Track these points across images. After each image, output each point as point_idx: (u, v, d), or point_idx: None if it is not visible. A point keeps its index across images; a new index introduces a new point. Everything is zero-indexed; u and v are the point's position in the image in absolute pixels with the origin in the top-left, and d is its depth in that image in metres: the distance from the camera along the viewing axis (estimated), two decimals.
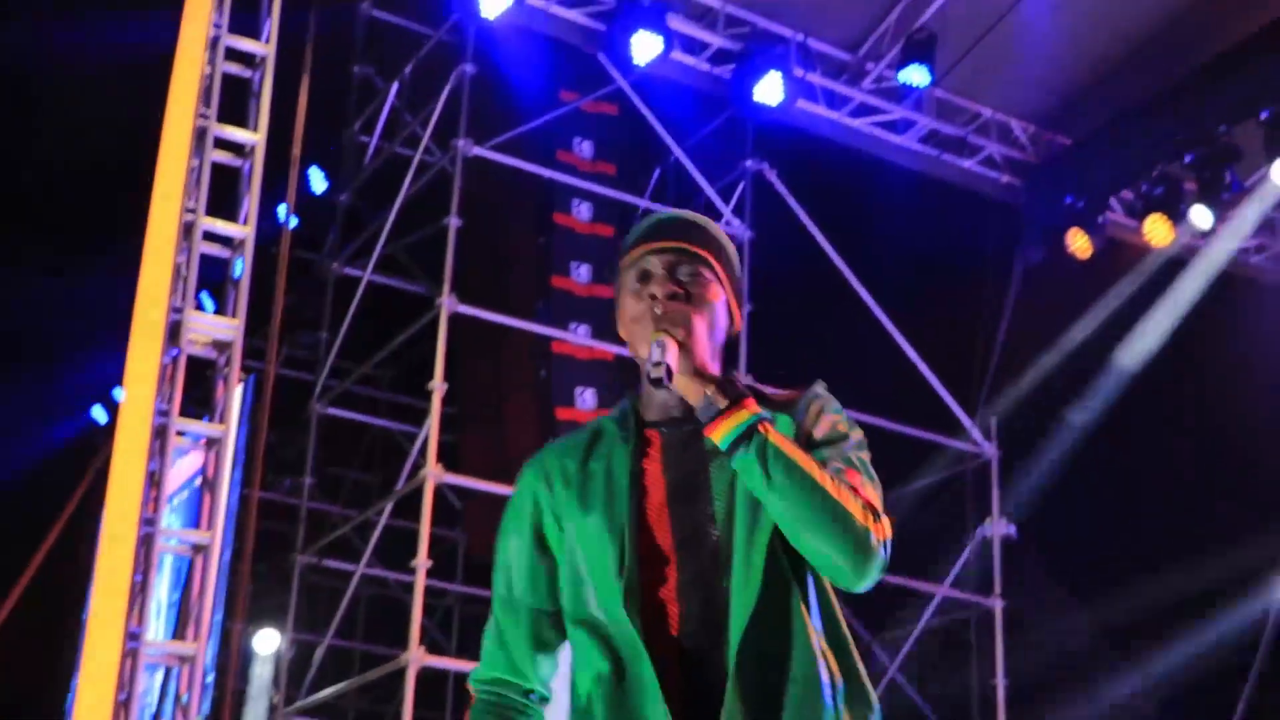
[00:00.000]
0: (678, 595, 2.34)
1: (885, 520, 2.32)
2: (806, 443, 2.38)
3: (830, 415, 2.43)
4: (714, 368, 2.43)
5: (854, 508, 2.27)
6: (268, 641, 9.92)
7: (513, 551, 2.53)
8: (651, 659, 2.29)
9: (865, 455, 2.41)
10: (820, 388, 2.49)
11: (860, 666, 2.37)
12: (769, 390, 2.49)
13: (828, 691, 2.29)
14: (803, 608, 2.33)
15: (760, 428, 2.29)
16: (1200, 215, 9.76)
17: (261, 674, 9.71)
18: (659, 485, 2.42)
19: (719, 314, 2.46)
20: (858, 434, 2.42)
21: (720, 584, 2.32)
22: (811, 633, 2.31)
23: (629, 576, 2.33)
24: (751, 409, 2.31)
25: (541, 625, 2.49)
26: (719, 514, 2.37)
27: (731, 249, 2.53)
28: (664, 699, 2.26)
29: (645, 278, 2.46)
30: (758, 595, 2.29)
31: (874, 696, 2.38)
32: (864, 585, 2.29)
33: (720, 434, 2.30)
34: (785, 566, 2.32)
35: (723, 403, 2.30)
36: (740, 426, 2.29)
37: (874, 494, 2.35)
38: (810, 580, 2.35)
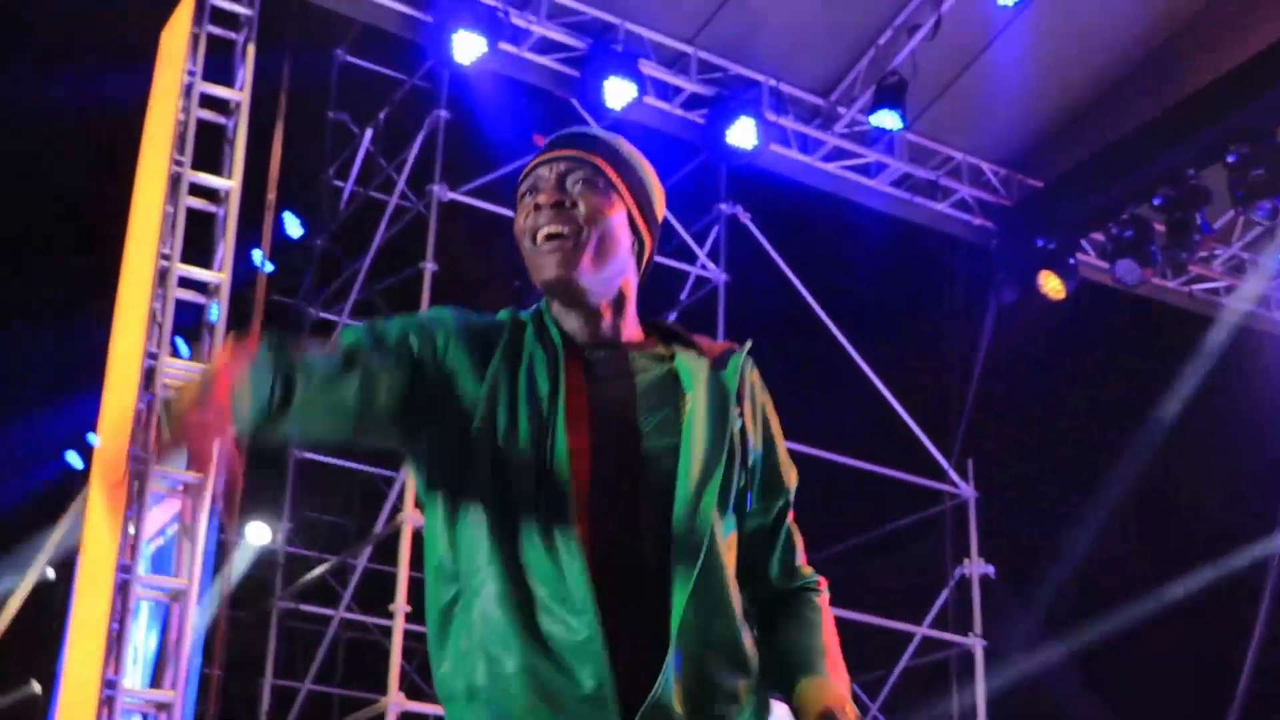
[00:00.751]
0: (589, 522, 2.09)
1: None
2: (763, 427, 2.27)
3: (770, 405, 2.31)
4: (605, 300, 2.25)
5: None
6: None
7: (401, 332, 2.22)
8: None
9: None
10: (748, 347, 2.32)
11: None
12: (696, 338, 2.33)
13: (752, 664, 2.16)
14: (730, 573, 2.16)
15: None
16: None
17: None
18: (580, 403, 2.18)
19: (613, 229, 2.24)
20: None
21: (642, 519, 2.11)
22: (737, 599, 2.17)
23: (565, 485, 2.09)
24: None
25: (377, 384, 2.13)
26: (651, 447, 2.15)
27: (643, 165, 2.32)
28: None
29: (533, 190, 2.27)
30: (705, 545, 2.09)
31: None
32: None
33: None
34: (720, 531, 2.15)
35: None
36: None
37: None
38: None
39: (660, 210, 2.38)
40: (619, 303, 2.30)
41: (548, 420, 2.14)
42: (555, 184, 2.24)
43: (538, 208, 2.23)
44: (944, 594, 9.98)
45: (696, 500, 2.12)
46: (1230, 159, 9.14)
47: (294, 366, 2.04)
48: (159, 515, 7.66)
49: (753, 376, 2.31)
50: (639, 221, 2.30)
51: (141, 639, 6.87)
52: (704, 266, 9.97)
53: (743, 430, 2.23)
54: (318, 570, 9.80)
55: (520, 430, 2.14)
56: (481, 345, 2.22)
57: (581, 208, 2.22)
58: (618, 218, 2.25)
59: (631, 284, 2.31)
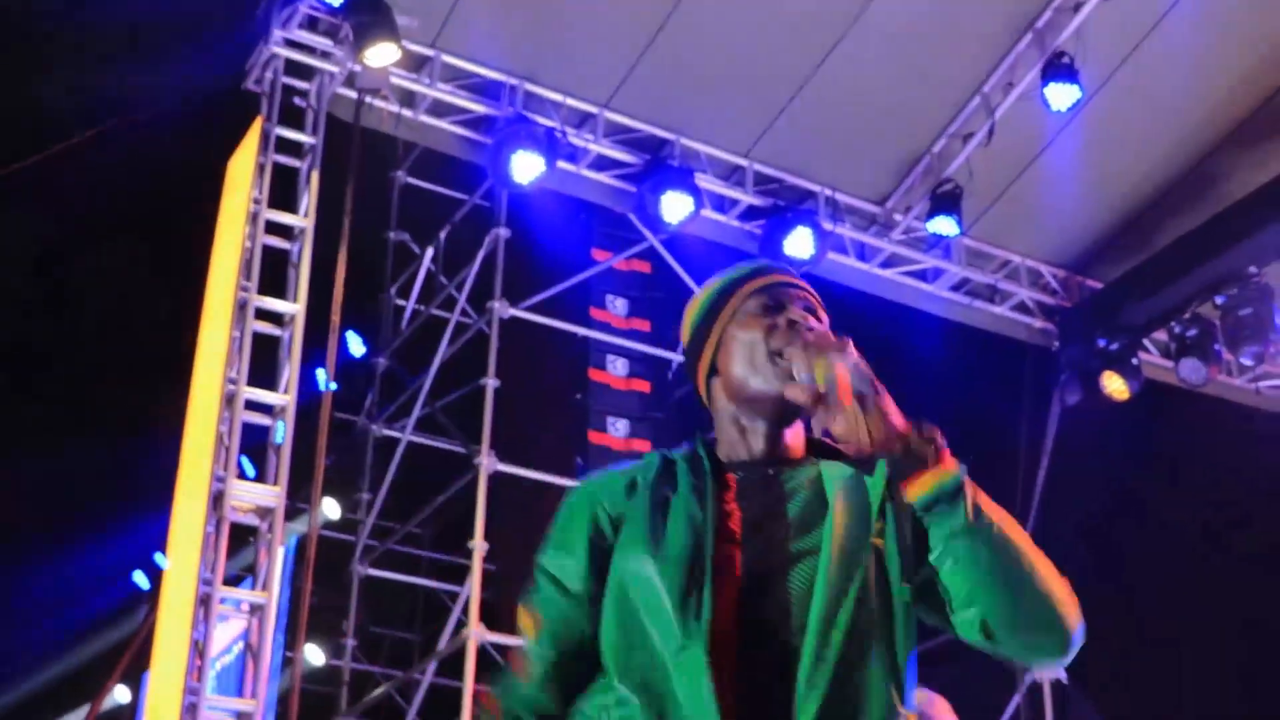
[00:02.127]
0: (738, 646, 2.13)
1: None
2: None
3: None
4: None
5: (1065, 591, 2.10)
6: None
7: (559, 569, 2.37)
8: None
9: None
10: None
11: None
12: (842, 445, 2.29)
13: None
14: (884, 671, 2.13)
15: (968, 486, 2.09)
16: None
17: None
18: (737, 527, 2.23)
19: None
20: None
21: (789, 636, 2.13)
22: (895, 699, 2.12)
23: (707, 622, 2.12)
24: (954, 463, 2.11)
25: (579, 661, 2.29)
26: (800, 563, 2.19)
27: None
28: None
29: (778, 307, 2.37)
30: (838, 654, 2.10)
31: None
32: (1061, 663, 2.13)
33: (921, 489, 2.09)
34: (874, 623, 2.14)
35: (929, 451, 2.09)
36: (947, 483, 2.09)
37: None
38: (900, 638, 2.16)
39: None
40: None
41: (700, 546, 2.20)
42: (801, 307, 2.37)
43: (792, 324, 2.32)
44: (1015, 699, 9.84)
45: (828, 627, 2.12)
46: None
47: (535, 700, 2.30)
48: (225, 634, 7.71)
49: None
50: None
51: None
52: None
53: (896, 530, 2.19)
54: (383, 689, 9.78)
55: (672, 554, 2.22)
56: (631, 490, 2.34)
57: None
58: None
59: None
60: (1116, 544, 10.56)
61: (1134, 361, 10.07)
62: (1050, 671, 9.74)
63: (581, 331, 9.61)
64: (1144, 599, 10.34)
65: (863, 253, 10.04)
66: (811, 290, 2.44)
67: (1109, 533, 10.49)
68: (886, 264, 10.10)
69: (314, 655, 9.80)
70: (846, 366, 2.16)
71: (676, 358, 10.19)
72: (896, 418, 2.12)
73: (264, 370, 7.50)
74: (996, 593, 2.09)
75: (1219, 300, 9.62)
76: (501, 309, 9.09)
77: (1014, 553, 2.09)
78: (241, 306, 7.27)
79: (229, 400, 7.07)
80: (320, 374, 8.73)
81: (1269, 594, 10.32)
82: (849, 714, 2.09)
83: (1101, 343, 10.07)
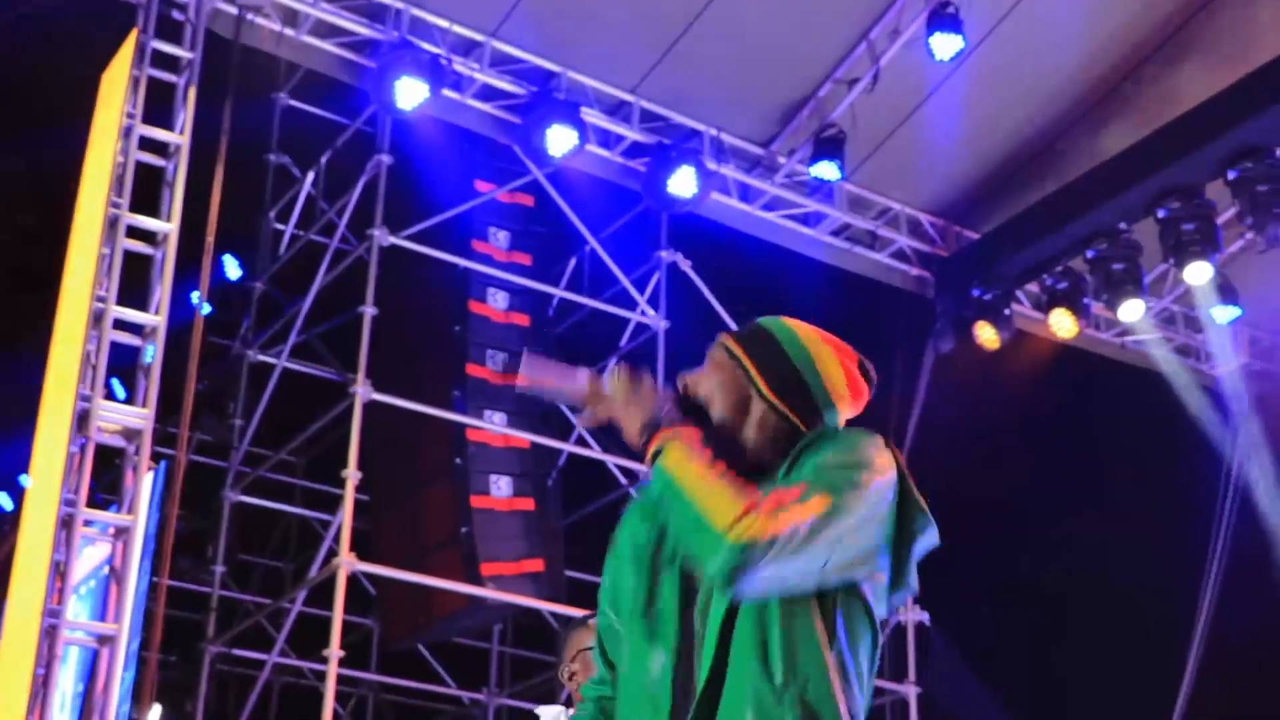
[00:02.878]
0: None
1: (779, 519, 2.29)
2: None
3: (826, 450, 2.45)
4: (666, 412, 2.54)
5: (722, 506, 2.32)
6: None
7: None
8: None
9: (848, 476, 2.37)
10: (836, 430, 2.57)
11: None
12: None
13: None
14: (766, 666, 2.34)
15: (663, 436, 2.44)
16: (1130, 309, 9.92)
17: None
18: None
19: (726, 397, 2.57)
20: (853, 457, 2.41)
21: (695, 637, 2.45)
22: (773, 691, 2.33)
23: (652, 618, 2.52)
24: (670, 433, 2.44)
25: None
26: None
27: (781, 338, 2.62)
28: None
29: None
30: (712, 656, 2.38)
31: None
32: (730, 584, 2.31)
33: (650, 453, 2.46)
34: (750, 626, 2.37)
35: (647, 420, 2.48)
36: (659, 445, 2.44)
37: (802, 507, 2.31)
38: (783, 634, 2.36)
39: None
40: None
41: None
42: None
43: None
44: (880, 640, 10.03)
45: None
46: (1161, 214, 9.31)
47: None
48: (90, 559, 7.60)
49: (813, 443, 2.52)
50: (758, 384, 2.61)
51: (69, 684, 6.80)
52: (644, 313, 10.03)
53: None
54: (253, 618, 9.72)
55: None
56: None
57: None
58: (726, 379, 2.62)
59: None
60: (981, 492, 10.78)
61: (1006, 312, 10.25)
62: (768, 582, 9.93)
63: (462, 263, 9.56)
64: (1006, 547, 10.59)
65: (746, 194, 10.09)
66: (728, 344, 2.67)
67: (975, 480, 10.70)
68: (769, 206, 10.16)
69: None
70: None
71: (557, 292, 10.19)
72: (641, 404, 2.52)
73: (136, 290, 7.36)
74: (671, 514, 2.43)
75: (1090, 254, 9.82)
76: (382, 237, 9.02)
77: (676, 485, 2.38)
78: (112, 224, 7.11)
79: (97, 319, 6.92)
80: (194, 296, 8.60)
81: (1127, 544, 10.62)
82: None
83: (976, 292, 10.23)
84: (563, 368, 2.58)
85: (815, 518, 2.31)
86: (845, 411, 2.61)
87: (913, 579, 2.50)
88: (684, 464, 2.39)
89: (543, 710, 4.46)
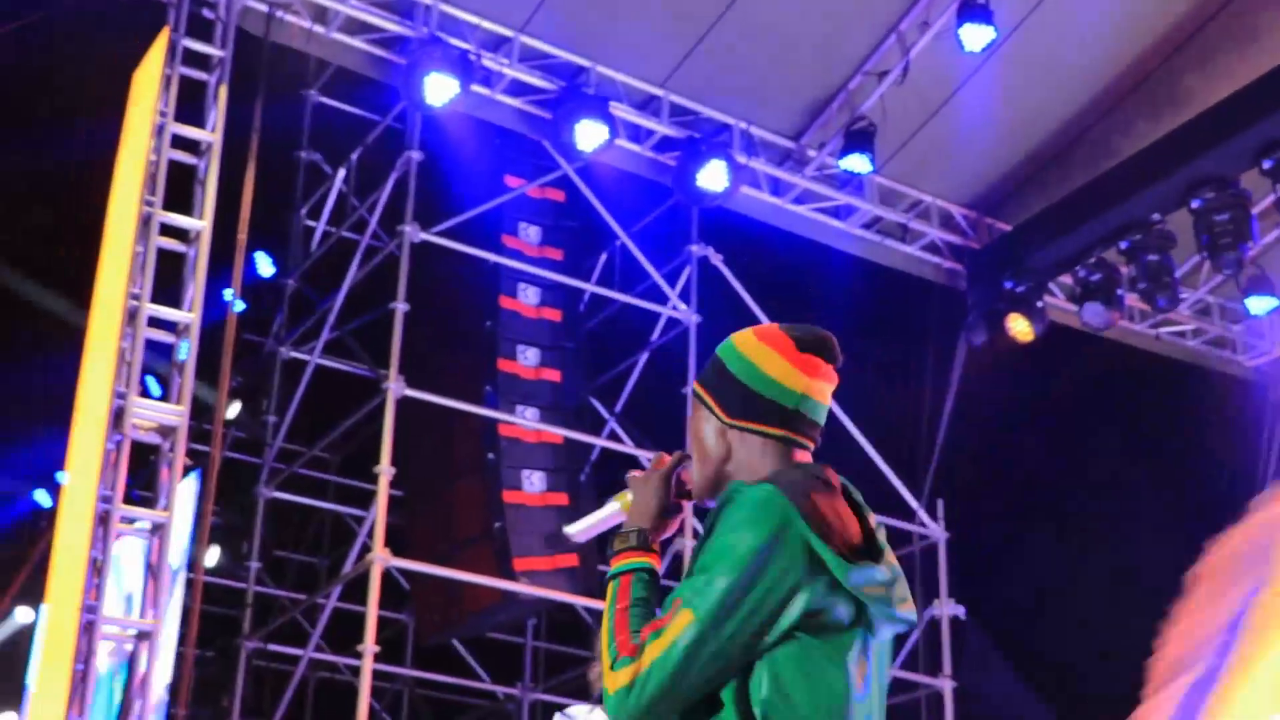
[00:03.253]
0: None
1: (638, 663, 2.28)
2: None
3: (713, 534, 2.39)
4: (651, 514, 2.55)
5: (606, 660, 2.34)
6: None
7: None
8: None
9: (713, 579, 2.29)
10: (734, 489, 2.42)
11: None
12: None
13: None
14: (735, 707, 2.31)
15: (618, 561, 2.45)
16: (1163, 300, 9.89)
17: None
18: None
19: (701, 444, 2.51)
20: (732, 551, 2.31)
21: None
22: None
23: None
24: (622, 560, 2.45)
25: None
26: None
27: (725, 358, 2.52)
28: None
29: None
30: None
31: None
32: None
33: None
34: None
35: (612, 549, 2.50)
36: (613, 569, 2.47)
37: (660, 640, 2.29)
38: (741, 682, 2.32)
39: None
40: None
41: None
42: None
43: None
44: (914, 635, 10.01)
45: None
46: (1195, 204, 9.25)
47: None
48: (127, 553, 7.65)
49: (709, 521, 2.42)
50: (718, 414, 2.53)
51: (107, 679, 6.85)
52: (675, 308, 10.03)
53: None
54: (288, 614, 9.76)
55: None
56: None
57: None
58: (702, 434, 2.54)
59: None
60: (1015, 484, 10.75)
61: (1039, 304, 10.20)
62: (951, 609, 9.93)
63: (493, 258, 9.58)
64: (1040, 540, 10.55)
65: (776, 188, 10.08)
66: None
67: (1009, 472, 10.67)
68: (799, 200, 10.14)
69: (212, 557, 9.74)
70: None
71: (588, 287, 10.20)
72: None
73: (169, 288, 7.40)
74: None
75: (1123, 246, 9.76)
76: (413, 233, 9.03)
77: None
78: (145, 222, 7.16)
79: (131, 317, 6.97)
80: (227, 293, 8.64)
81: (1163, 537, 10.55)
82: None
83: (1008, 285, 10.19)
84: (598, 517, 2.62)
85: (678, 648, 2.27)
86: (814, 392, 2.49)
87: (890, 617, 2.38)
88: (608, 603, 2.41)
89: (574, 709, 4.45)
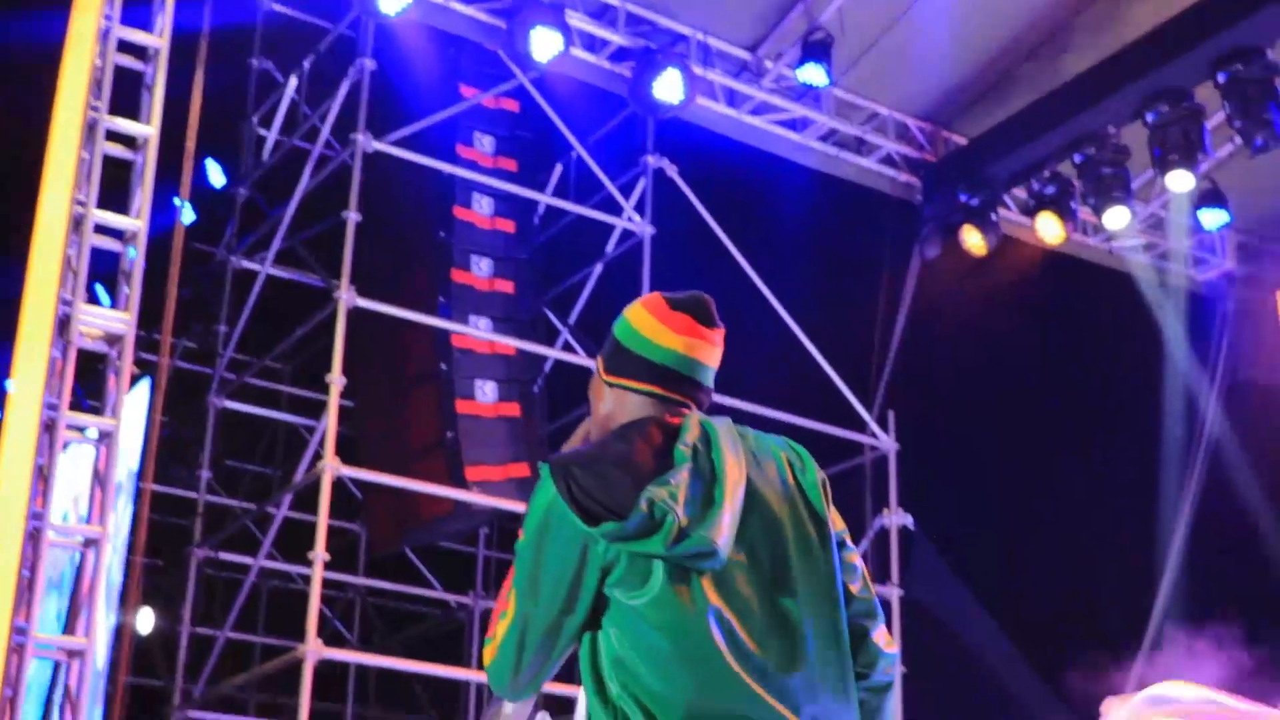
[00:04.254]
0: None
1: (494, 642, 2.47)
2: None
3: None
4: None
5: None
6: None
7: None
8: None
9: (520, 563, 2.46)
10: (538, 473, 2.53)
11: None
12: None
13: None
14: (589, 666, 2.47)
15: None
16: (1116, 216, 9.92)
17: None
18: None
19: (593, 403, 2.67)
20: (524, 538, 2.47)
21: None
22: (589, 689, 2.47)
23: None
24: None
25: None
26: None
27: (615, 322, 2.66)
28: None
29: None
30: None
31: None
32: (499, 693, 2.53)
33: None
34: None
35: None
36: None
37: (503, 621, 2.47)
38: (586, 649, 2.47)
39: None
40: None
41: None
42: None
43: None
44: (863, 544, 10.12)
45: None
46: (1149, 118, 9.26)
47: None
48: (74, 462, 7.63)
49: None
50: (601, 376, 2.67)
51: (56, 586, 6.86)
52: (630, 219, 10.00)
53: None
54: (239, 522, 9.78)
55: None
56: None
57: None
58: (596, 401, 2.69)
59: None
60: (967, 397, 10.83)
61: (993, 217, 10.23)
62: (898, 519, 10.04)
63: (447, 168, 9.51)
64: (990, 450, 10.64)
65: (732, 99, 10.02)
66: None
67: (960, 386, 10.74)
68: (755, 111, 10.09)
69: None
70: None
71: (543, 198, 10.15)
72: None
73: (117, 196, 7.32)
74: None
75: (1077, 159, 9.78)
76: (365, 142, 8.95)
77: None
78: (91, 127, 7.06)
79: (77, 224, 6.90)
80: (178, 201, 8.57)
81: (1112, 446, 10.68)
82: None
83: (963, 198, 10.20)
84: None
85: (509, 630, 2.46)
86: (687, 349, 2.59)
87: (667, 557, 2.39)
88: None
89: None
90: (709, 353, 2.62)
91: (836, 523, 2.62)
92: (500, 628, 2.47)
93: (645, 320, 2.61)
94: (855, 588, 2.60)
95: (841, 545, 2.61)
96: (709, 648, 2.35)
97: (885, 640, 2.61)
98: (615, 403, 2.60)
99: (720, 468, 2.45)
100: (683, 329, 2.60)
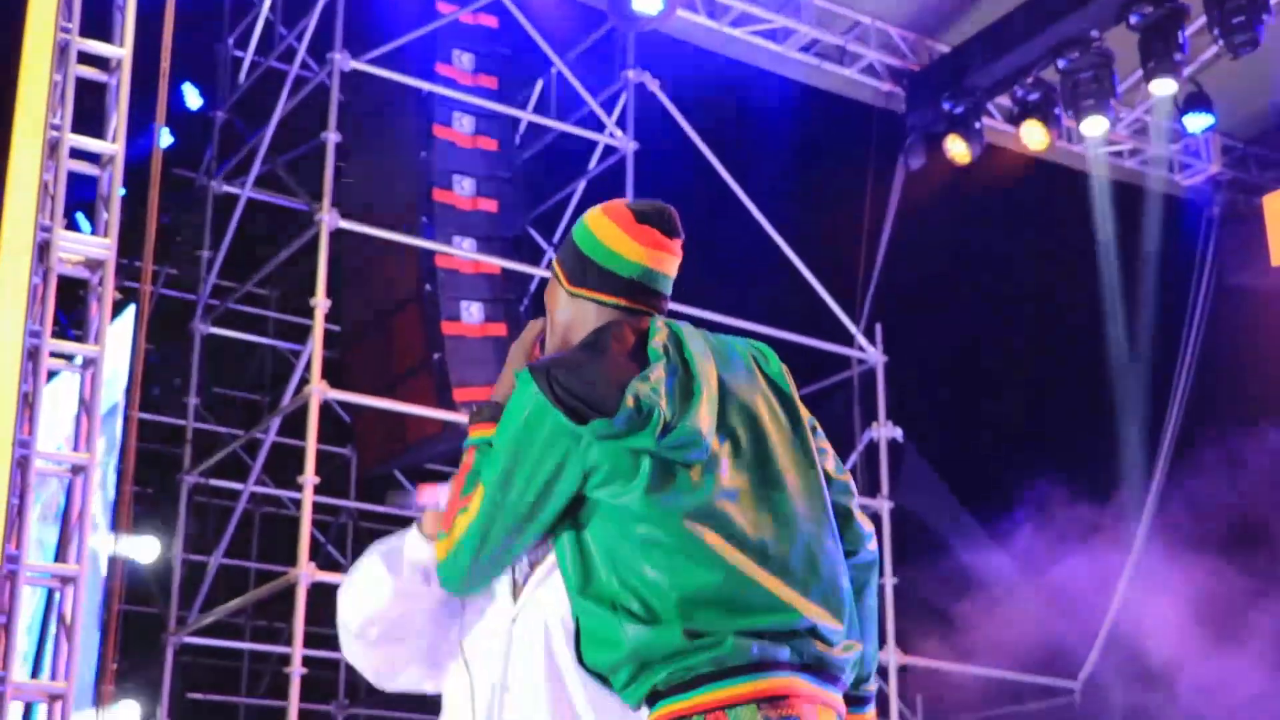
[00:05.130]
0: None
1: (451, 537, 2.49)
2: None
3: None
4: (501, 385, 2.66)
5: (432, 524, 2.58)
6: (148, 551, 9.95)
7: None
8: None
9: (495, 457, 2.46)
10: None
11: (612, 633, 2.39)
12: None
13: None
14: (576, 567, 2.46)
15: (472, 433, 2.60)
16: (1093, 124, 9.87)
17: None
18: None
19: (551, 314, 2.66)
20: (499, 438, 2.48)
21: None
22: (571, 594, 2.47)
23: None
24: (473, 432, 2.59)
25: None
26: None
27: (574, 232, 2.65)
28: None
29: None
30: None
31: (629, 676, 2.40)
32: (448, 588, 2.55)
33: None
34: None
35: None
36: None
37: (464, 515, 2.48)
38: (570, 546, 2.47)
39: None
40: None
41: None
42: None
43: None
44: (853, 457, 10.15)
45: None
46: (1134, 20, 9.18)
47: None
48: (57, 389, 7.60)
49: None
50: (562, 282, 2.67)
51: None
52: (612, 135, 9.92)
53: None
54: (228, 448, 9.77)
55: None
56: None
57: None
58: (554, 309, 2.69)
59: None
60: (952, 307, 10.83)
61: (977, 126, 10.16)
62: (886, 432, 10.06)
63: (426, 86, 9.40)
64: (976, 361, 10.66)
65: (712, 10, 9.92)
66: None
67: (945, 295, 10.74)
68: (736, 23, 9.99)
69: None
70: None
71: (524, 115, 10.05)
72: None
73: (92, 122, 7.23)
74: None
75: (1061, 64, 9.70)
76: (343, 61, 8.85)
77: None
78: (63, 49, 6.95)
79: (52, 149, 6.81)
80: (156, 126, 8.46)
81: (1098, 353, 10.69)
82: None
83: (946, 106, 10.13)
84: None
85: (471, 525, 2.47)
86: (652, 261, 2.61)
87: (656, 452, 2.39)
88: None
89: None
90: (672, 264, 2.65)
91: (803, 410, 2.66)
92: (460, 522, 2.48)
93: (612, 233, 2.61)
94: (831, 468, 2.63)
95: (814, 430, 2.63)
96: (705, 537, 2.36)
97: (863, 518, 2.66)
98: (576, 313, 2.61)
99: (693, 363, 2.48)
100: (650, 243, 2.61)
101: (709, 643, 2.32)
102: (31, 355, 6.53)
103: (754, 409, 2.53)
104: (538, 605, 2.71)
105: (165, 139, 9.01)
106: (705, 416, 2.42)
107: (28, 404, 6.45)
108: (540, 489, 2.42)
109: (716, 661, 2.31)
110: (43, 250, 6.67)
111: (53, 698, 6.33)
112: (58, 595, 6.54)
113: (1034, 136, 10.07)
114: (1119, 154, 11.15)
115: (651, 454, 2.37)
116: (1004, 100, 10.53)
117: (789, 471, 2.50)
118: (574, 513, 2.44)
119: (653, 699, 2.36)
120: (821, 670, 2.37)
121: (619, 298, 2.59)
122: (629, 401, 2.35)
